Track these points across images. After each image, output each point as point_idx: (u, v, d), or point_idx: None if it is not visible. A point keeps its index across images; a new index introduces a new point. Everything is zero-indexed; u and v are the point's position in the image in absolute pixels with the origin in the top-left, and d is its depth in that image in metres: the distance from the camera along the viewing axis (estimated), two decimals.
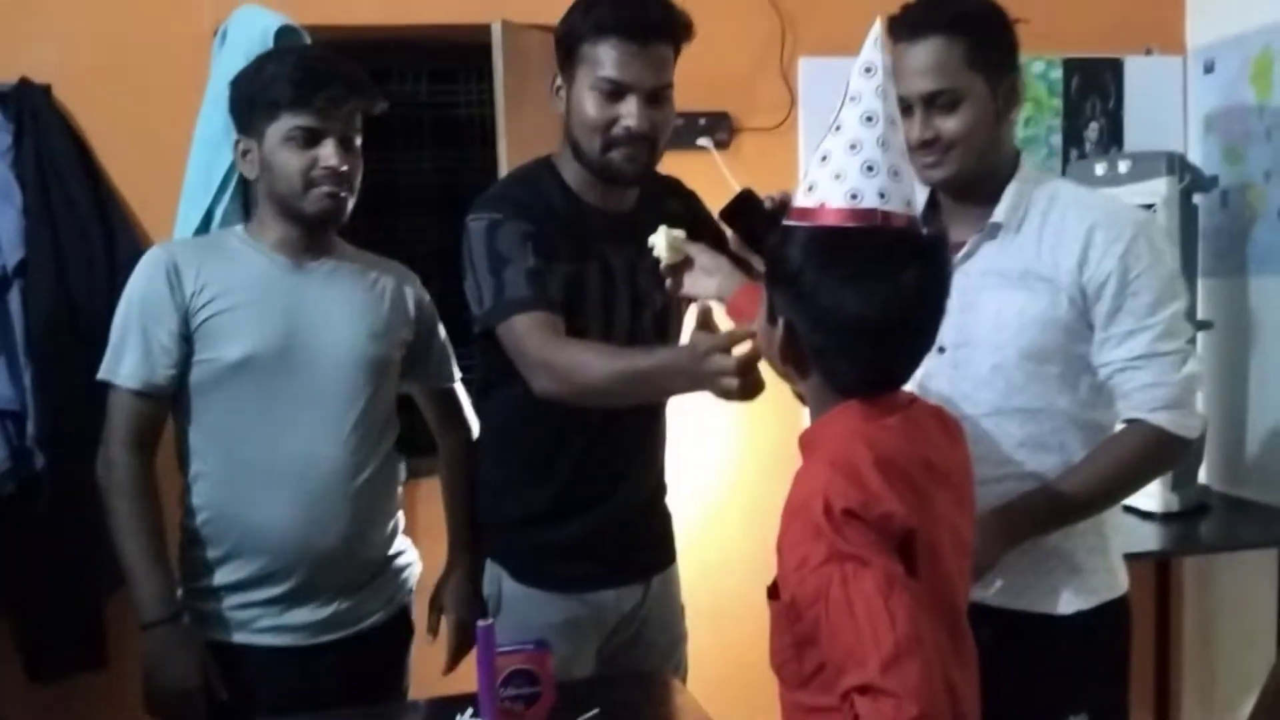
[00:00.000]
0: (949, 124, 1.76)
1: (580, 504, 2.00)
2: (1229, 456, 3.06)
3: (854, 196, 1.28)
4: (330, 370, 1.95)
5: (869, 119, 1.30)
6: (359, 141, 1.97)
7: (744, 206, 1.86)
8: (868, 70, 1.32)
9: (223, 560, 1.93)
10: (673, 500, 3.17)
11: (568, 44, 1.89)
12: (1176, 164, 2.80)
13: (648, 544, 2.12)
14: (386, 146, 3.06)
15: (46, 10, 2.75)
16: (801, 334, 1.32)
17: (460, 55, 2.97)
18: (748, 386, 1.56)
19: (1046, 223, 1.78)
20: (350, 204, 1.96)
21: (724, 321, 1.69)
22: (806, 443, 1.36)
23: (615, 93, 1.84)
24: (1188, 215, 2.83)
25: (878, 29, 1.33)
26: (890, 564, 1.19)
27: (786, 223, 1.34)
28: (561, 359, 1.77)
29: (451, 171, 3.09)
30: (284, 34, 2.36)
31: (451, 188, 3.07)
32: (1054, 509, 1.76)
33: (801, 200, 1.32)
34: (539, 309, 1.82)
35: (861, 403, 1.32)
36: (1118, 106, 3.25)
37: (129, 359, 1.90)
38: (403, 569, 2.10)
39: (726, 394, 1.58)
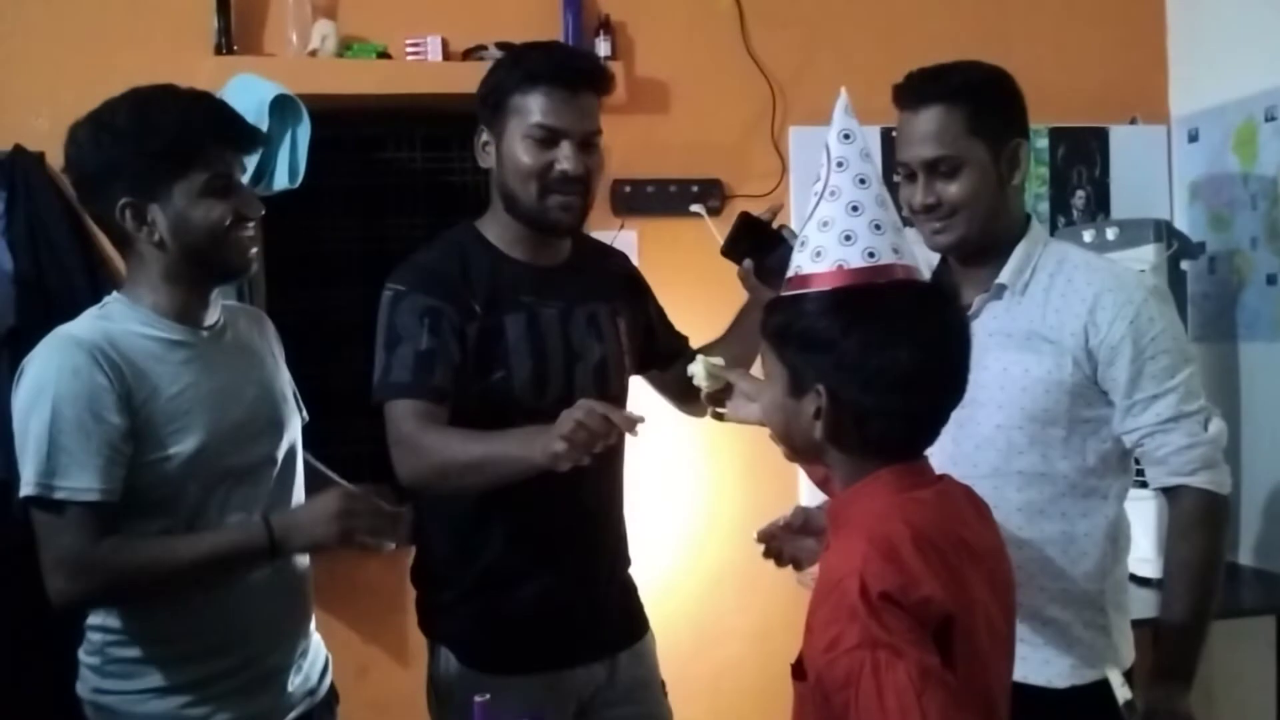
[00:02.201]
0: (951, 190, 1.78)
1: (521, 570, 1.94)
2: None
3: (871, 255, 1.30)
4: (269, 443, 1.82)
5: (862, 181, 1.33)
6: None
7: (746, 230, 1.94)
8: (846, 136, 1.35)
9: (174, 660, 1.73)
10: (670, 570, 3.16)
11: (495, 98, 1.92)
12: (1164, 231, 2.83)
13: (608, 618, 2.04)
14: (380, 213, 3.07)
15: (40, 78, 2.76)
16: (848, 399, 1.28)
17: (454, 123, 2.98)
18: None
19: (1053, 285, 1.79)
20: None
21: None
22: (837, 515, 1.33)
23: (549, 139, 1.88)
24: (1176, 281, 2.85)
25: (844, 98, 1.38)
26: (925, 656, 1.15)
27: (796, 292, 1.33)
28: (422, 440, 1.80)
29: None
30: (280, 103, 2.38)
31: None
32: (1184, 629, 1.76)
33: (810, 267, 1.32)
34: (418, 396, 1.83)
35: (892, 473, 1.29)
36: (1104, 174, 3.28)
37: (74, 468, 1.62)
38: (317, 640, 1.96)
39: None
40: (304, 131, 2.46)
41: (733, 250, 1.96)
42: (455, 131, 3.02)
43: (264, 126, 2.36)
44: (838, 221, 1.31)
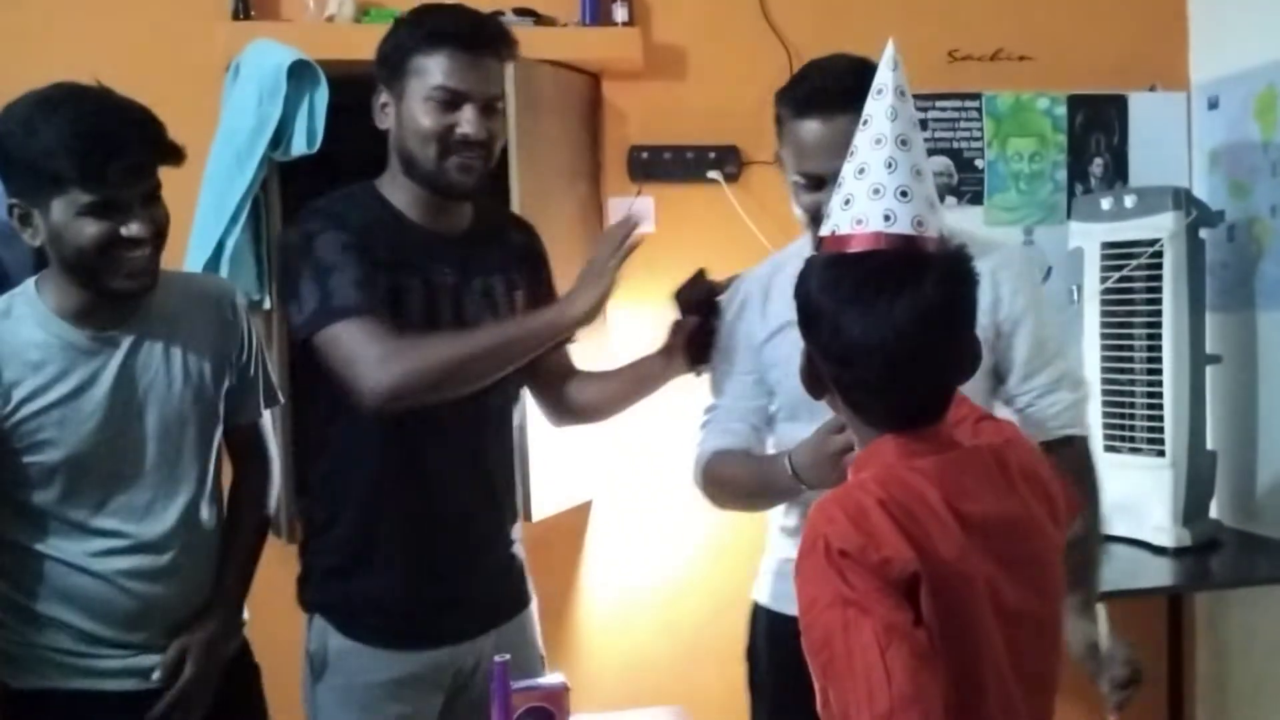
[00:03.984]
0: None
1: (406, 549, 1.92)
2: (1240, 491, 3.04)
3: (859, 221, 1.28)
4: (156, 447, 1.81)
5: (878, 141, 1.30)
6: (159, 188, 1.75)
7: (697, 288, 1.96)
8: (878, 92, 1.32)
9: (49, 620, 1.78)
10: (684, 538, 3.15)
11: (396, 58, 1.89)
12: (1183, 199, 2.81)
13: (488, 595, 2.02)
14: None
15: (58, 47, 2.76)
16: (817, 362, 1.32)
17: None
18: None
19: None
20: (159, 259, 1.76)
21: None
22: (851, 473, 1.34)
23: (451, 102, 1.85)
24: (1195, 250, 2.84)
25: (890, 51, 1.33)
26: (892, 613, 1.16)
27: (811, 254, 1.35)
28: (411, 345, 1.76)
29: None
30: (297, 69, 2.38)
31: None
32: (1097, 558, 1.89)
33: (822, 230, 1.34)
34: (370, 315, 1.78)
35: (895, 441, 1.28)
36: (1122, 142, 3.25)
37: None
38: None
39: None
40: (321, 97, 2.45)
41: (686, 298, 1.96)
42: None
43: (282, 92, 2.36)
44: (845, 184, 1.31)
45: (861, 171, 1.29)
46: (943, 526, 1.23)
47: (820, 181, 1.76)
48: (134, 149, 1.68)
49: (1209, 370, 2.87)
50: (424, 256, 1.92)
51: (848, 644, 1.15)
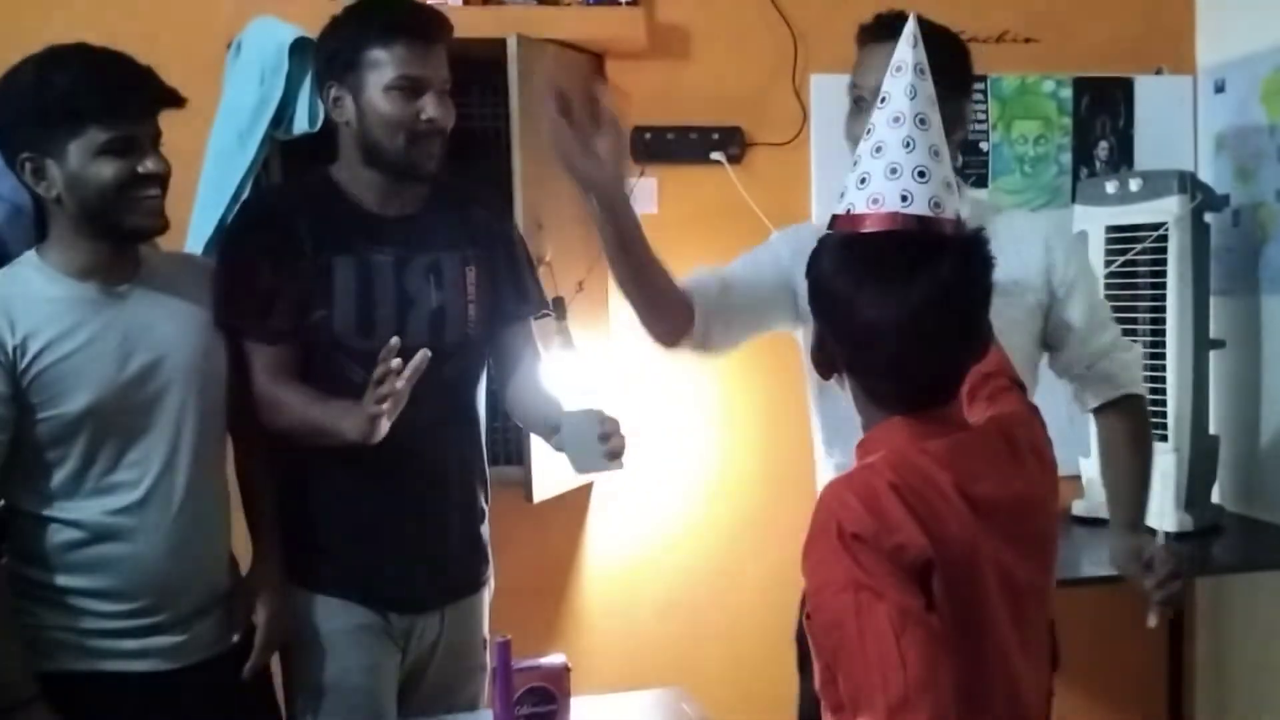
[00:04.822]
0: None
1: (371, 519, 1.99)
2: (1243, 477, 3.04)
3: (875, 201, 1.26)
4: (170, 400, 1.86)
5: (896, 120, 1.28)
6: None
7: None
8: (898, 70, 1.30)
9: (70, 594, 1.82)
10: (686, 518, 3.15)
11: (349, 52, 1.96)
12: (1188, 182, 2.80)
13: (447, 570, 2.07)
14: None
15: (59, 24, 2.74)
16: (829, 343, 1.31)
17: (474, 68, 2.95)
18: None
19: (995, 233, 1.81)
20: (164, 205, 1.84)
21: None
22: (857, 456, 1.33)
23: (414, 90, 1.93)
24: (1200, 234, 2.83)
25: (911, 27, 1.31)
26: (906, 598, 1.15)
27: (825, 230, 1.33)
28: (278, 396, 1.93)
29: None
30: (299, 47, 2.36)
31: None
32: (1136, 502, 2.00)
33: (835, 207, 1.31)
34: (261, 340, 1.94)
35: (905, 422, 1.27)
36: (1128, 125, 3.24)
37: None
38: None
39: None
40: None
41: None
42: (476, 77, 2.98)
43: (284, 70, 2.35)
44: (863, 162, 1.29)
45: (878, 150, 1.27)
46: (954, 511, 1.22)
47: (861, 100, 1.89)
48: (146, 87, 1.79)
49: (1212, 355, 2.86)
50: (362, 238, 1.99)
51: (860, 628, 1.14)
